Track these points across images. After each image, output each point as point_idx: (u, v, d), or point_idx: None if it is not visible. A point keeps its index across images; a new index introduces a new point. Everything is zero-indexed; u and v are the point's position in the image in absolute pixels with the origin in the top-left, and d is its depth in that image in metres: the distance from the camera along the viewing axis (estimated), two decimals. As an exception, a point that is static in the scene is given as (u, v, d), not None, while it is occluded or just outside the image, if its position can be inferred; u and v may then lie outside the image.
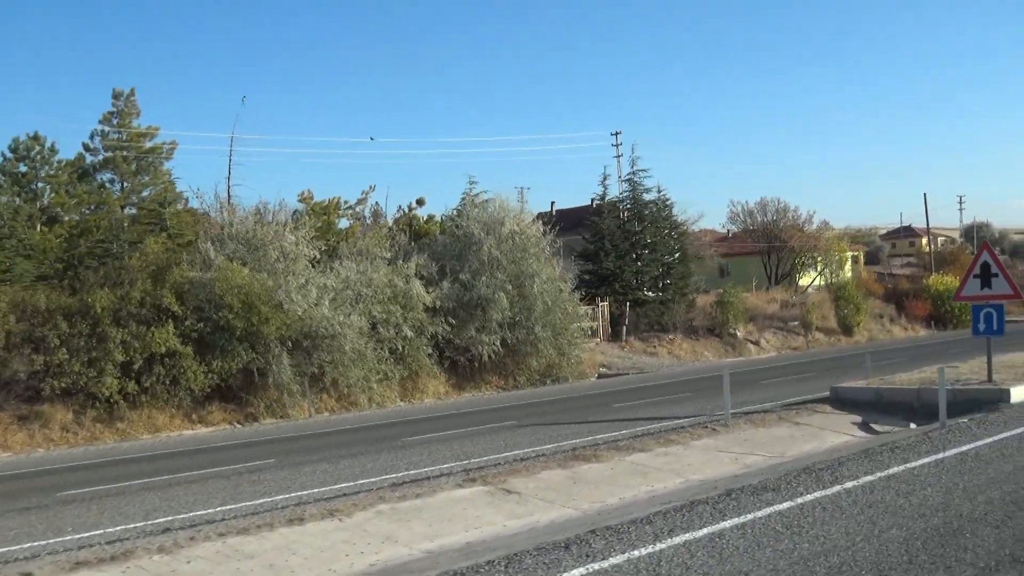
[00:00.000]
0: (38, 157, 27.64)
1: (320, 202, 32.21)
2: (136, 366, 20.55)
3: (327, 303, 22.82)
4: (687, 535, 7.57)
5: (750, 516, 8.09)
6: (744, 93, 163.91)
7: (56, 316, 20.22)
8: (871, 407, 16.06)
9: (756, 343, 36.79)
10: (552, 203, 61.79)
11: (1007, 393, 14.43)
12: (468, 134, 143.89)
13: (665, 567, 6.69)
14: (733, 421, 14.97)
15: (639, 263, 36.85)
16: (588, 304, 33.09)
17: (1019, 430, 11.81)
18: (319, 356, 22.83)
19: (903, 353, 29.78)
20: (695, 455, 12.73)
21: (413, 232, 31.21)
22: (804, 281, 53.71)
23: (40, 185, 27.57)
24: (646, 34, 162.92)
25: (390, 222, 32.97)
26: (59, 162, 28.66)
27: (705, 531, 7.66)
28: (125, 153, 32.81)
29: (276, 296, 22.07)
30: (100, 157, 33.33)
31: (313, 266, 24.20)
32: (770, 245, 55.44)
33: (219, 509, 10.86)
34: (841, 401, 16.68)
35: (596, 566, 6.85)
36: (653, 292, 36.99)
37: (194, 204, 29.88)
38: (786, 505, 8.42)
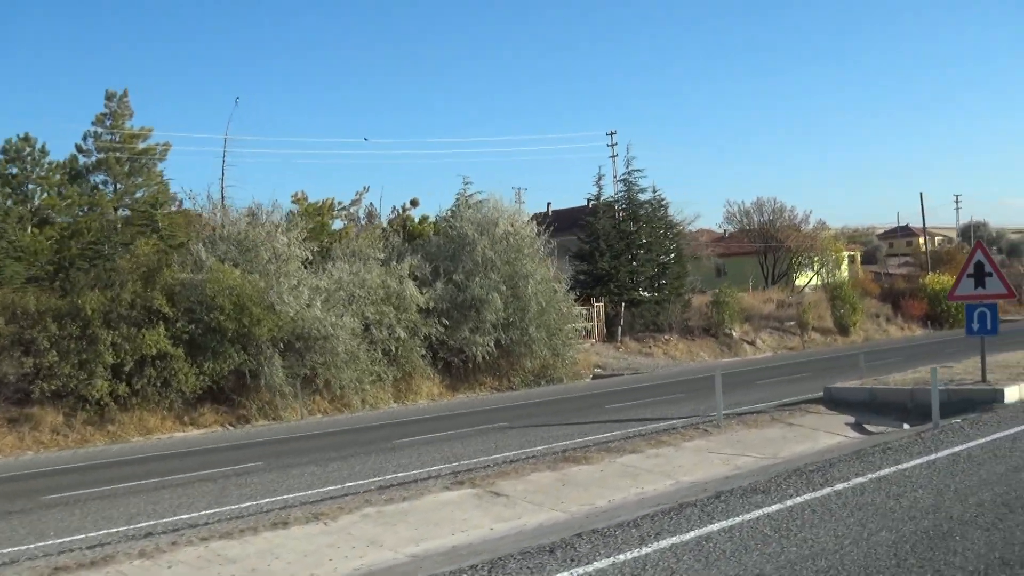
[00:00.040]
0: (29, 159, 27.50)
1: (314, 203, 32.08)
2: (127, 368, 20.46)
3: (319, 304, 22.71)
4: (674, 538, 7.46)
5: (738, 519, 7.98)
6: (744, 93, 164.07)
7: (46, 318, 20.13)
8: (865, 407, 15.95)
9: (752, 343, 36.69)
10: (548, 203, 61.80)
11: (1001, 393, 14.33)
12: (467, 134, 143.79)
13: (650, 571, 6.58)
14: (725, 422, 14.86)
15: (634, 263, 36.74)
16: (583, 305, 32.96)
17: (1012, 430, 11.70)
18: (311, 358, 22.72)
19: (898, 353, 29.69)
20: (686, 457, 12.62)
21: (407, 233, 31.10)
22: (801, 281, 53.65)
23: (31, 187, 27.43)
24: (646, 34, 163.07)
25: (384, 223, 32.84)
26: (50, 163, 28.51)
27: (692, 534, 7.55)
28: (118, 154, 32.67)
29: (268, 297, 21.96)
30: (93, 158, 33.19)
31: (306, 267, 24.08)
32: (766, 245, 55.37)
33: (203, 513, 10.75)
34: (835, 401, 16.56)
35: (580, 570, 6.74)
36: (648, 292, 36.86)
37: (188, 205, 29.81)
38: (775, 507, 8.31)
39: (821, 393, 17.31)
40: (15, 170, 27.78)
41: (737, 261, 56.64)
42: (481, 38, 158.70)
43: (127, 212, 31.71)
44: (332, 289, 23.74)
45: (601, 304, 34.89)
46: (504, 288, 26.66)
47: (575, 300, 30.94)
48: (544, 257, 28.87)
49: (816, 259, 54.38)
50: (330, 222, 31.77)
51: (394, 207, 35.46)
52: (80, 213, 29.58)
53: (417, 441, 16.09)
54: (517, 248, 27.73)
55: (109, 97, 33.13)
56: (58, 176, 29.45)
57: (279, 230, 23.91)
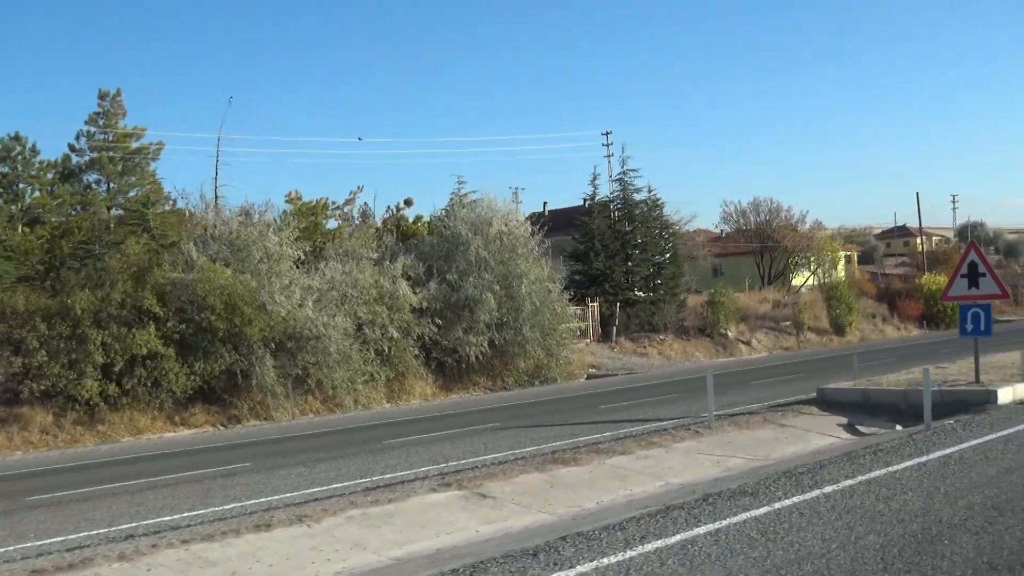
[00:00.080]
0: (19, 158, 27.37)
1: (307, 202, 31.96)
2: (117, 368, 20.33)
3: (311, 304, 22.59)
4: (659, 542, 7.35)
5: (725, 522, 7.87)
6: (743, 93, 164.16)
7: (35, 318, 20.00)
8: (858, 408, 15.86)
9: (747, 343, 36.59)
10: (544, 203, 61.79)
11: (994, 394, 14.24)
12: (466, 134, 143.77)
13: (633, 575, 6.48)
14: (717, 423, 14.75)
15: (629, 263, 36.62)
16: (578, 304, 32.86)
17: (1004, 432, 11.61)
18: (303, 357, 22.60)
19: (893, 353, 29.61)
20: (676, 458, 12.51)
21: (400, 232, 30.97)
22: (797, 281, 53.56)
23: (22, 186, 27.30)
24: (646, 34, 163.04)
25: (378, 222, 32.70)
26: (41, 162, 28.38)
27: (678, 538, 7.44)
28: (111, 154, 32.55)
29: (259, 297, 21.83)
30: (86, 158, 33.08)
31: (298, 267, 23.95)
32: (763, 245, 55.30)
33: (187, 515, 10.63)
34: (828, 402, 16.46)
35: (562, 574, 6.65)
36: (644, 292, 36.74)
37: (181, 205, 29.69)
38: (763, 510, 8.21)
39: (814, 394, 17.22)
40: (6, 169, 27.65)
41: (734, 261, 56.53)
42: (480, 38, 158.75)
43: (120, 211, 31.59)
44: (324, 289, 23.62)
45: (596, 304, 34.79)
46: (498, 288, 26.54)
47: (570, 300, 30.84)
48: (538, 257, 28.75)
49: (812, 259, 54.31)
50: (324, 222, 31.64)
51: (388, 207, 35.38)
52: (73, 212, 29.46)
53: (407, 442, 15.97)
54: (511, 248, 27.61)
55: (102, 96, 33.02)
56: (50, 175, 29.32)
57: (271, 229, 23.77)
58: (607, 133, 47.10)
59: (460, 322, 26.00)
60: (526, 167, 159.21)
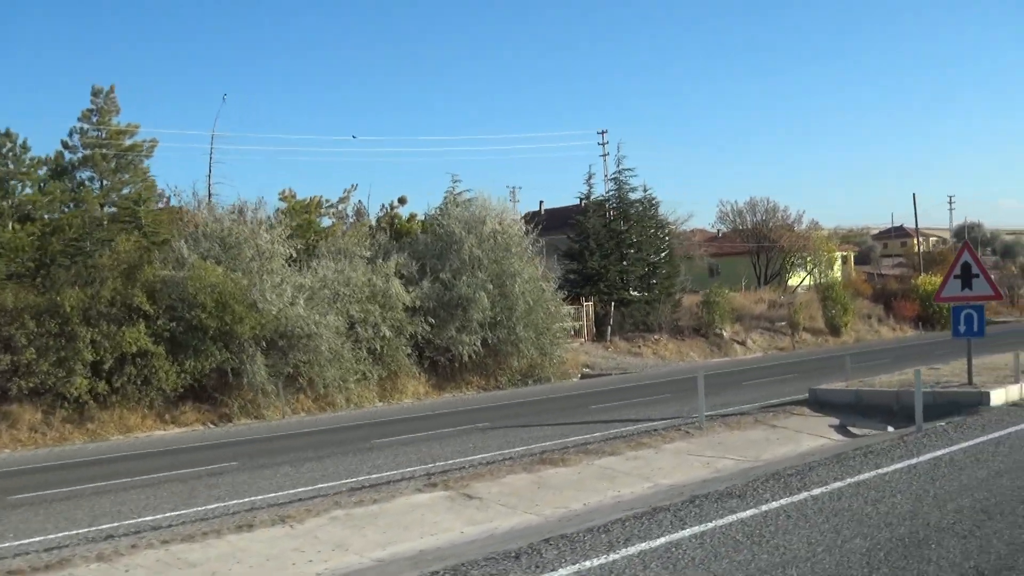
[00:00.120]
0: (10, 154, 27.18)
1: (301, 200, 31.77)
2: (106, 366, 20.19)
3: (302, 302, 22.45)
4: (643, 544, 7.26)
5: (711, 524, 7.78)
6: (742, 93, 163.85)
7: (24, 315, 19.84)
8: (850, 409, 15.77)
9: (742, 343, 36.49)
10: (541, 202, 61.78)
11: (987, 396, 14.16)
12: (464, 133, 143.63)
13: (615, 579, 6.40)
14: (708, 424, 14.65)
15: (624, 262, 36.51)
16: (573, 304, 32.75)
17: (996, 434, 11.52)
18: (295, 356, 22.46)
19: (888, 354, 29.54)
20: (666, 459, 12.41)
21: (394, 231, 30.82)
22: (793, 281, 53.49)
23: (12, 182, 27.10)
24: (645, 34, 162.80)
25: (372, 221, 32.56)
26: (32, 159, 28.18)
27: (662, 540, 7.35)
28: (104, 151, 32.34)
29: (250, 295, 21.71)
30: (79, 155, 32.87)
31: (290, 265, 23.82)
32: (759, 245, 55.23)
33: (169, 515, 10.51)
34: (820, 403, 16.37)
35: (543, 578, 6.56)
36: (638, 292, 36.63)
37: (174, 202, 29.52)
38: (749, 513, 8.11)
39: (806, 395, 17.13)
40: (-4, 166, 27.47)
41: (730, 261, 56.48)
42: (479, 37, 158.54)
43: (113, 209, 31.41)
44: (316, 287, 23.49)
45: (591, 303, 34.68)
46: (491, 287, 26.43)
47: (564, 299, 30.74)
48: (532, 256, 28.64)
49: (808, 259, 54.25)
50: (317, 220, 31.46)
51: (383, 205, 35.23)
52: (66, 210, 29.28)
53: (396, 441, 15.86)
54: (505, 247, 27.50)
55: (95, 93, 32.79)
56: (41, 172, 29.13)
57: (262, 227, 23.64)
58: (603, 132, 47.13)
59: (453, 321, 25.89)
60: (524, 166, 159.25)
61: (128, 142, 33.24)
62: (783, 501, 8.49)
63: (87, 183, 32.92)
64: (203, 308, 20.91)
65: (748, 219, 59.13)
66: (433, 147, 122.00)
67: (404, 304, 24.94)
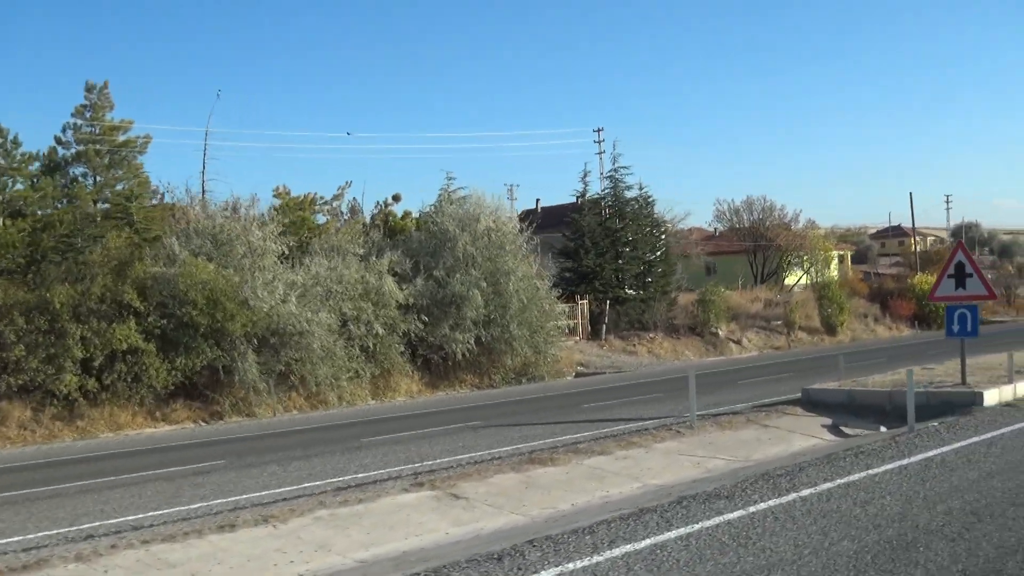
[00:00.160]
0: (0, 150, 27.05)
1: (295, 197, 31.66)
2: (96, 363, 20.04)
3: (294, 299, 22.31)
4: (628, 546, 7.16)
5: (697, 526, 7.68)
6: (740, 93, 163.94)
7: (13, 312, 19.69)
8: (843, 409, 15.67)
9: (738, 342, 36.39)
10: (537, 200, 61.57)
11: (980, 396, 14.06)
12: (462, 131, 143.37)
13: (598, 582, 6.30)
14: (699, 423, 14.54)
15: (620, 261, 36.36)
16: (567, 302, 32.63)
17: (988, 435, 11.43)
18: (287, 353, 22.31)
19: (883, 353, 29.45)
20: (656, 459, 12.31)
21: (388, 228, 30.70)
22: (790, 280, 53.42)
23: (4, 178, 26.98)
24: (645, 34, 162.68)
25: (367, 218, 32.43)
26: (23, 155, 28.06)
27: (647, 542, 7.25)
28: (98, 147, 32.21)
29: (241, 292, 21.57)
30: (72, 151, 32.73)
31: (282, 262, 23.68)
32: (756, 244, 55.16)
33: (151, 514, 10.38)
34: (813, 403, 16.27)
35: (525, 582, 6.46)
36: (634, 290, 36.49)
37: (169, 199, 29.39)
38: (737, 514, 8.02)
39: (799, 394, 17.02)
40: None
41: (727, 260, 56.42)
42: (478, 37, 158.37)
43: (106, 205, 31.27)
44: (309, 284, 23.35)
45: (586, 302, 34.54)
46: (485, 285, 26.29)
47: (559, 298, 30.62)
48: (527, 254, 28.51)
49: (805, 258, 54.18)
50: (312, 217, 31.35)
51: (377, 202, 35.09)
52: (59, 206, 29.14)
53: (386, 440, 15.73)
54: (499, 244, 27.37)
55: (89, 89, 32.66)
56: (33, 167, 29.01)
57: (254, 224, 23.49)
58: (599, 130, 47.14)
59: (447, 319, 25.75)
60: (523, 165, 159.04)
61: (122, 138, 33.14)
62: (771, 502, 8.40)
63: (80, 179, 32.80)
64: (194, 305, 20.76)
65: (745, 218, 59.12)
66: (429, 144, 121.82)
67: (397, 302, 24.81)
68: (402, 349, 25.05)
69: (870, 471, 9.57)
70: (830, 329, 40.39)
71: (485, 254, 27.04)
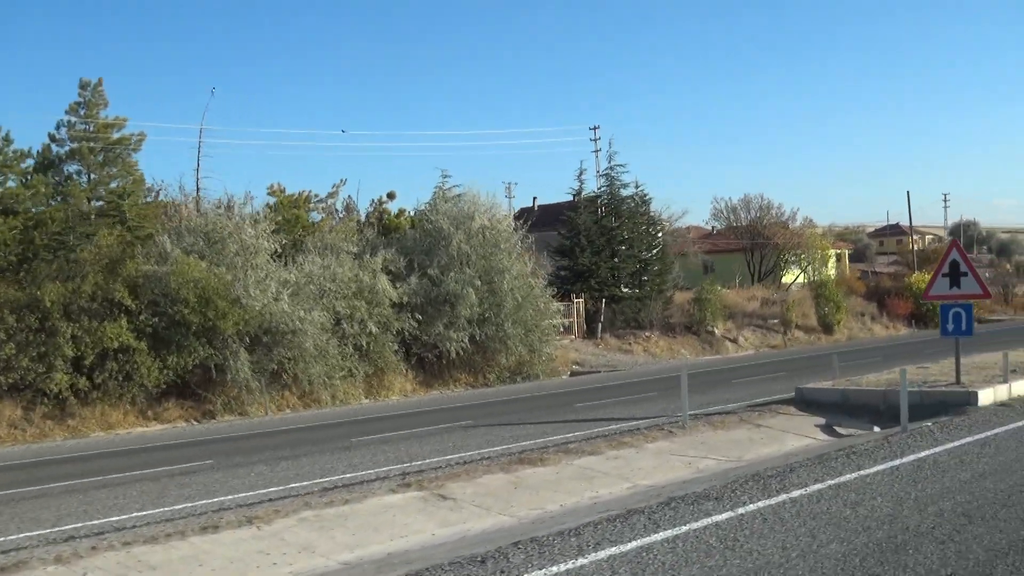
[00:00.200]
0: (-9, 147, 26.91)
1: (290, 195, 31.51)
2: (87, 361, 19.92)
3: (286, 298, 22.18)
4: (614, 549, 7.05)
5: (684, 528, 7.58)
6: (739, 92, 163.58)
7: (3, 310, 19.58)
8: (837, 409, 15.56)
9: (734, 341, 36.28)
10: (534, 198, 61.45)
11: (975, 396, 13.96)
12: (459, 129, 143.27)
13: (581, 586, 6.20)
14: (692, 423, 14.42)
15: (615, 259, 36.23)
16: (563, 301, 32.51)
17: (982, 435, 11.33)
18: (279, 352, 22.18)
19: (879, 352, 29.37)
20: (647, 459, 12.19)
21: (382, 226, 30.57)
22: (788, 279, 53.31)
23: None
24: (644, 33, 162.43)
25: (363, 216, 32.30)
26: (15, 152, 27.89)
27: (633, 545, 7.14)
28: (91, 144, 32.05)
29: (234, 290, 21.44)
30: (66, 148, 32.56)
31: (275, 260, 23.56)
32: (753, 242, 55.04)
33: (135, 515, 10.26)
34: (807, 402, 16.15)
35: (508, 584, 6.36)
36: (630, 289, 36.38)
37: (164, 196, 29.23)
38: (725, 516, 7.91)
39: (793, 394, 16.91)
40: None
41: (725, 258, 56.31)
42: (477, 35, 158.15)
43: (101, 203, 31.12)
44: (302, 282, 23.22)
45: (581, 300, 34.42)
46: (479, 283, 26.16)
47: (555, 296, 30.50)
48: (522, 252, 28.38)
49: (802, 257, 54.06)
50: (306, 214, 31.20)
51: (372, 200, 34.95)
52: (52, 203, 28.99)
53: (375, 440, 15.62)
54: (494, 243, 27.24)
55: (83, 86, 32.48)
56: (25, 165, 28.85)
57: (247, 222, 23.36)
58: (595, 128, 46.92)
59: (441, 317, 25.63)
60: (521, 163, 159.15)
61: (116, 135, 32.92)
62: (760, 504, 8.29)
63: (75, 177, 32.63)
64: (186, 303, 20.64)
65: (742, 216, 59.01)
66: (425, 142, 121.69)
67: (391, 300, 24.69)
68: (396, 348, 24.93)
69: (861, 472, 9.47)
70: (827, 328, 40.27)
71: (479, 252, 26.93)
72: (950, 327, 14.89)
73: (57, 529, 9.72)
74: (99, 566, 8.10)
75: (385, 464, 12.86)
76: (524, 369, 27.51)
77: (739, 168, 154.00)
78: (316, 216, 31.95)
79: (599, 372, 28.72)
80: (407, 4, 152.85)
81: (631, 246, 36.96)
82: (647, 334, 34.47)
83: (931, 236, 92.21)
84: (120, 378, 20.21)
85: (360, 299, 24.09)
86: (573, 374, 28.82)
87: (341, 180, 47.95)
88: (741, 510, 8.09)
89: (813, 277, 50.76)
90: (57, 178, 31.58)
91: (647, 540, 7.25)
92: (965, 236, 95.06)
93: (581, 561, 6.76)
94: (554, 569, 6.61)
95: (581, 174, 37.87)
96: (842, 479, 9.17)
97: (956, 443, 10.86)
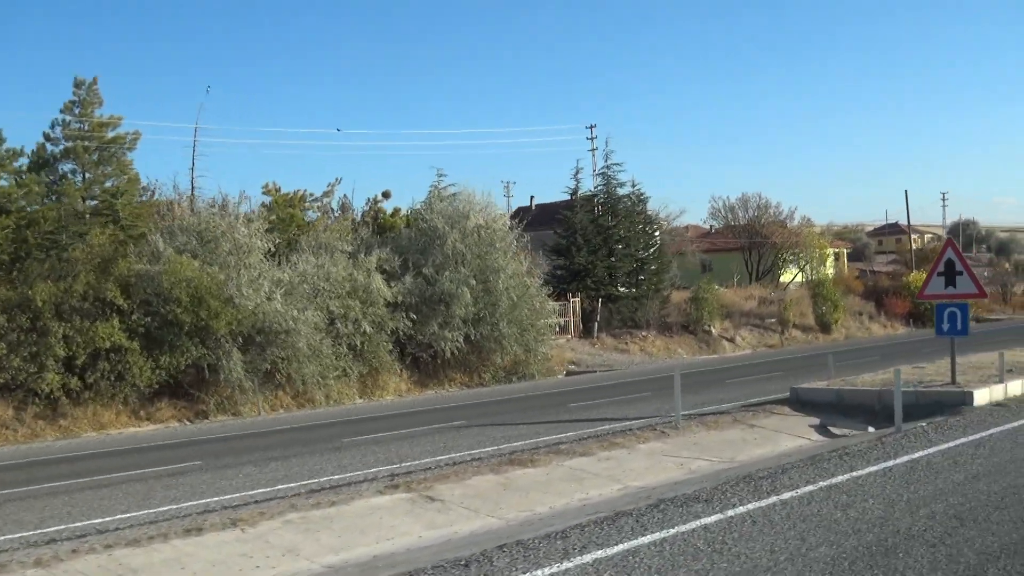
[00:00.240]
0: (-17, 146, 26.79)
1: (285, 194, 31.39)
2: (79, 361, 19.79)
3: (279, 297, 22.05)
4: (600, 552, 6.94)
5: (672, 531, 7.46)
6: (738, 91, 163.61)
7: (-6, 309, 19.48)
8: (832, 409, 15.44)
9: (731, 340, 36.14)
10: (532, 197, 61.39)
11: (970, 396, 13.85)
12: (458, 129, 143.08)
13: (565, 590, 6.09)
14: (685, 423, 14.30)
15: (612, 258, 36.09)
16: (559, 300, 32.38)
17: (977, 436, 11.22)
18: (272, 352, 22.05)
19: (876, 352, 29.26)
20: (639, 460, 12.07)
21: (377, 225, 30.44)
22: (785, 278, 53.20)
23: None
24: (642, 31, 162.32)
25: (358, 215, 32.16)
26: (7, 151, 27.75)
27: (620, 548, 7.03)
28: (86, 143, 31.91)
29: (226, 290, 21.31)
30: (61, 147, 32.43)
31: (269, 259, 23.43)
32: (751, 241, 54.95)
33: (119, 517, 10.14)
34: (801, 402, 16.03)
35: (492, 588, 6.26)
36: (626, 288, 36.24)
37: (159, 195, 29.08)
38: (714, 518, 7.80)
39: (788, 393, 16.78)
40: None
41: (723, 257, 56.23)
42: (474, 34, 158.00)
43: (95, 202, 30.99)
44: (296, 282, 23.09)
45: (578, 300, 34.29)
46: (474, 282, 26.04)
47: (550, 296, 30.36)
48: (517, 251, 28.25)
49: (800, 256, 53.95)
50: (302, 214, 31.07)
51: (368, 199, 34.84)
52: (47, 202, 28.86)
53: (366, 440, 15.48)
54: (489, 242, 27.12)
55: (78, 85, 32.34)
56: (18, 163, 28.72)
57: (239, 221, 23.23)
58: (591, 127, 46.82)
59: (435, 317, 25.50)
60: (519, 162, 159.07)
61: (111, 134, 32.77)
62: (750, 506, 8.18)
63: (69, 176, 32.50)
64: (178, 303, 20.52)
65: (740, 215, 58.94)
66: (422, 141, 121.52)
67: (385, 299, 24.56)
68: (390, 347, 24.79)
69: (854, 473, 9.36)
70: (824, 327, 40.13)
71: (475, 251, 26.81)
72: (945, 327, 14.78)
73: (39, 531, 9.60)
74: (79, 570, 7.98)
75: (375, 465, 12.74)
76: (519, 369, 27.38)
77: (738, 167, 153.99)
78: (312, 215, 31.85)
79: (595, 372, 28.59)
80: (406, 4, 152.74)
81: (628, 245, 36.83)
82: (644, 333, 34.34)
83: (930, 235, 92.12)
84: (112, 378, 20.08)
85: (354, 298, 23.97)
86: (569, 374, 28.69)
87: (336, 179, 47.94)
88: (730, 512, 7.98)
89: (811, 276, 50.65)
90: (52, 177, 31.44)
91: (634, 543, 7.14)
92: (964, 235, 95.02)
93: (566, 565, 6.65)
94: (538, 573, 6.52)
95: (577, 173, 37.78)
96: (834, 480, 9.06)
97: (950, 444, 10.75)
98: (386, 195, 33.15)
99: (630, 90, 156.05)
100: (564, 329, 32.63)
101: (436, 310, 25.55)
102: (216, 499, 10.85)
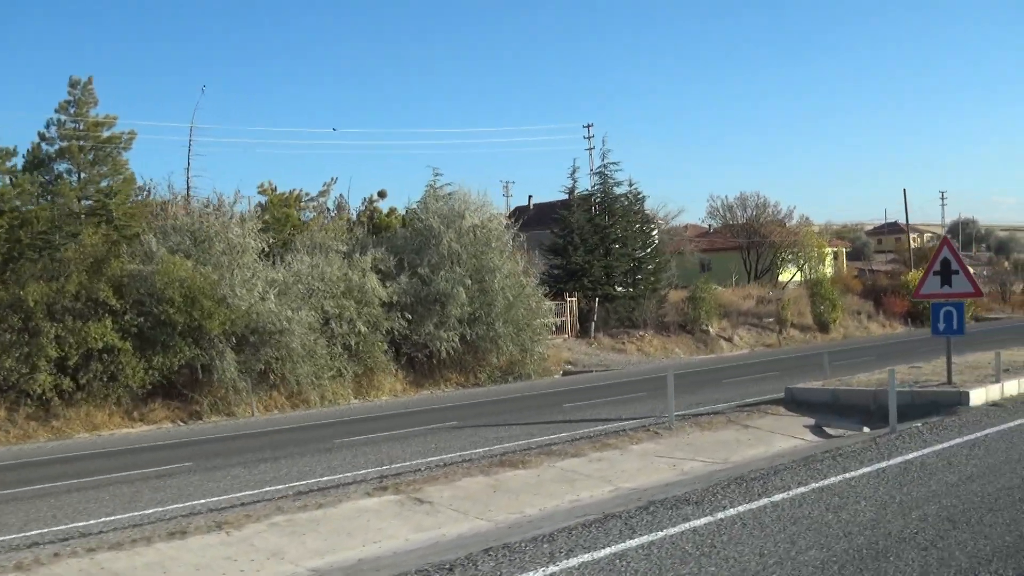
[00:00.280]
0: (-23, 146, 26.69)
1: (280, 194, 31.29)
2: (72, 362, 19.72)
3: (273, 297, 21.94)
4: (586, 556, 6.82)
5: (661, 533, 7.34)
6: (737, 90, 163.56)
7: (-14, 310, 19.38)
8: (827, 409, 15.31)
9: (729, 340, 36.04)
10: (530, 197, 61.27)
11: (966, 396, 13.72)
12: (455, 128, 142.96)
13: (550, 594, 5.98)
14: (679, 424, 14.17)
15: (609, 258, 35.99)
16: (556, 300, 32.27)
17: (972, 436, 11.10)
18: (266, 352, 21.97)
19: (873, 351, 29.13)
20: (631, 461, 11.95)
21: (373, 225, 30.36)
22: (784, 277, 53.09)
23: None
24: (640, 31, 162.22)
25: (354, 215, 32.07)
26: (1, 150, 27.64)
27: (607, 551, 6.91)
28: (82, 143, 31.80)
29: (219, 290, 21.21)
30: (56, 147, 32.31)
31: (263, 259, 23.33)
32: (750, 240, 54.84)
33: (103, 520, 10.01)
34: (796, 402, 15.89)
35: (474, 594, 6.14)
36: (623, 287, 36.15)
37: (154, 195, 28.98)
38: (704, 521, 7.68)
39: (783, 394, 16.66)
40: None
41: (721, 257, 56.11)
42: (471, 33, 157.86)
43: (90, 202, 30.89)
44: (290, 282, 23.00)
45: (574, 299, 34.18)
46: (470, 282, 25.96)
47: (547, 295, 30.27)
48: (513, 251, 28.15)
49: (799, 255, 53.85)
50: (297, 213, 30.97)
51: (364, 199, 34.75)
52: (41, 201, 28.75)
53: (358, 441, 15.37)
54: (485, 241, 27.03)
55: (73, 84, 32.23)
56: (11, 163, 28.62)
57: (233, 220, 23.13)
58: (588, 126, 46.81)
59: (431, 317, 25.41)
60: (518, 161, 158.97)
61: (106, 134, 32.65)
62: (741, 508, 8.06)
63: (65, 176, 32.39)
64: (171, 303, 20.43)
65: (739, 214, 58.85)
66: (419, 141, 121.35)
67: (380, 299, 24.49)
68: (385, 347, 24.73)
69: (847, 474, 9.24)
70: (823, 326, 40.03)
71: (470, 251, 26.72)
72: (941, 326, 14.67)
73: (22, 535, 9.48)
74: (60, 574, 7.87)
75: (365, 466, 12.61)
76: (515, 369, 27.30)
77: (737, 167, 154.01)
78: (307, 215, 31.76)
79: (591, 372, 28.49)
80: (403, 4, 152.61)
81: (625, 244, 36.74)
82: (641, 333, 34.24)
83: (930, 234, 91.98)
84: (105, 379, 20.01)
85: (349, 298, 23.89)
86: (565, 373, 28.60)
87: (332, 179, 47.79)
88: (721, 515, 7.86)
89: (809, 275, 50.54)
90: (47, 177, 31.35)
91: (621, 546, 7.02)
92: (964, 234, 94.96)
93: (552, 568, 6.54)
94: (521, 578, 6.41)
95: (574, 172, 37.83)
96: (826, 482, 8.94)
97: (945, 444, 10.63)
98: (382, 195, 33.08)
99: (629, 89, 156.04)
100: (561, 329, 32.54)
101: (432, 310, 25.46)
102: (203, 501, 10.73)
